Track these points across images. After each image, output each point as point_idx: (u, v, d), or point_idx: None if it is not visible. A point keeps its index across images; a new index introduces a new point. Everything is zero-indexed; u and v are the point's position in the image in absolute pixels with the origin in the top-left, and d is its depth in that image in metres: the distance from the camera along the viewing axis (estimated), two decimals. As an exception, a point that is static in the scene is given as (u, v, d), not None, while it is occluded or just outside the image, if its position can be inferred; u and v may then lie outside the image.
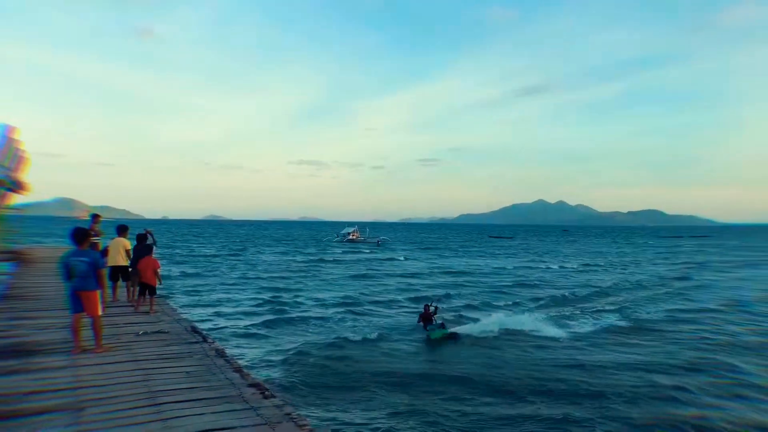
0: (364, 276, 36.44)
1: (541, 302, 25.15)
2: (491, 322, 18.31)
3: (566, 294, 27.84)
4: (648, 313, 22.32)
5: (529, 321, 18.75)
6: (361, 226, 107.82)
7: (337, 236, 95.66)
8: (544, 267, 46.35)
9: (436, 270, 41.73)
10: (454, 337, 16.91)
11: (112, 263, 10.77)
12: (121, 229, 11.09)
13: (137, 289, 10.31)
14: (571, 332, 17.91)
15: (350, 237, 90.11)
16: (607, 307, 23.44)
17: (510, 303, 24.77)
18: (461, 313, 21.32)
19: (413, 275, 37.77)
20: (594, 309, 23.01)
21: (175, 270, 36.06)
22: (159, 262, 10.29)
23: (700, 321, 20.71)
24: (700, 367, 13.78)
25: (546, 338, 16.69)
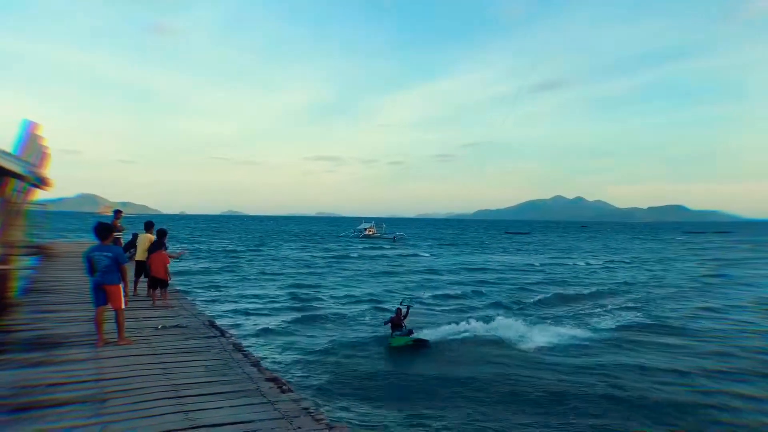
0: (386, 273, 36.03)
1: (570, 300, 24.38)
2: (470, 328, 16.61)
3: (594, 291, 27.11)
4: (681, 312, 21.41)
5: (519, 326, 16.96)
6: (378, 221, 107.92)
7: (354, 232, 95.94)
8: (570, 264, 45.34)
9: (459, 266, 41.14)
10: (424, 344, 14.92)
11: (139, 258, 11.06)
12: (148, 226, 11.33)
13: (137, 281, 10.67)
14: (597, 330, 17.27)
15: (366, 232, 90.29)
16: (635, 305, 22.70)
17: (536, 300, 24.11)
18: (487, 312, 20.65)
19: (436, 271, 37.25)
20: (621, 307, 22.27)
21: (196, 266, 36.36)
22: (169, 257, 10.56)
23: (742, 321, 19.58)
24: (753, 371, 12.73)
25: (529, 347, 15.04)
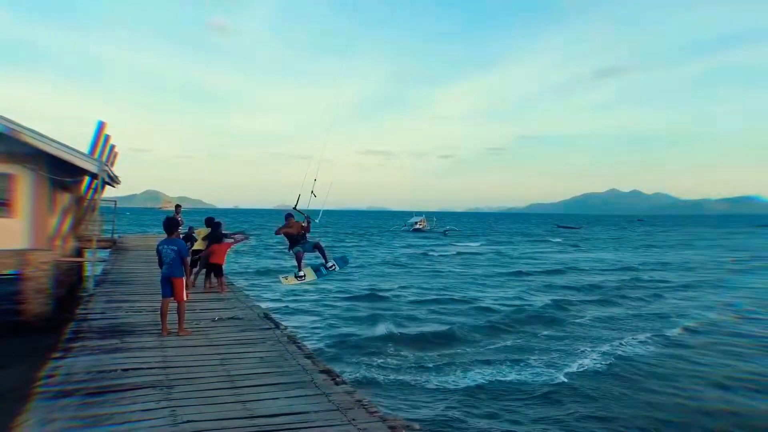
0: (514, 273, 32.47)
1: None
2: None
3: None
4: None
5: None
6: (428, 215, 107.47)
7: (404, 225, 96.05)
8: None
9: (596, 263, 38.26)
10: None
11: (197, 247, 11.75)
12: (208, 221, 11.96)
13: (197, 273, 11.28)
14: None
15: (417, 226, 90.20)
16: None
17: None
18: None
19: (575, 268, 34.83)
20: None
21: (269, 263, 35.25)
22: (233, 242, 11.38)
23: None
24: None
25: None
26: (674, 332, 16.44)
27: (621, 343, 14.76)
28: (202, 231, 11.99)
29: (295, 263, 10.07)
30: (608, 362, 12.83)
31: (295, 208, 9.67)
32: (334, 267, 10.34)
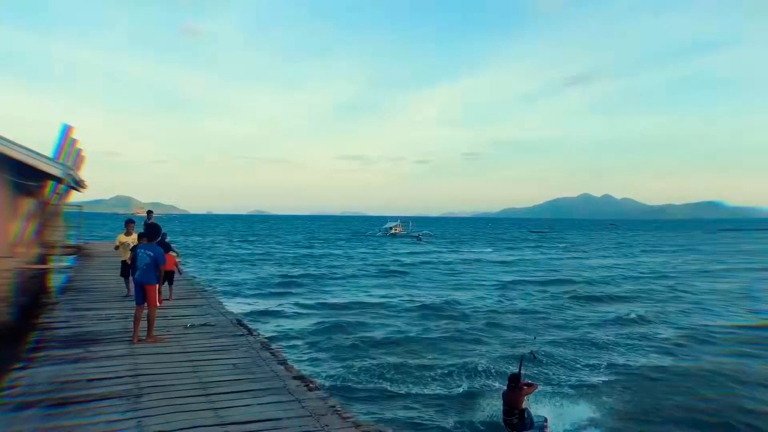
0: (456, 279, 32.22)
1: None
2: None
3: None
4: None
5: None
6: (404, 220, 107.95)
7: (380, 231, 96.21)
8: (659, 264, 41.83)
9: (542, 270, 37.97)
10: None
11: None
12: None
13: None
14: None
15: (392, 231, 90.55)
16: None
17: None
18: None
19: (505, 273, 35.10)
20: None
21: (247, 275, 33.19)
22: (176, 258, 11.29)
23: None
24: None
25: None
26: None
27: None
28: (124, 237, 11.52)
29: None
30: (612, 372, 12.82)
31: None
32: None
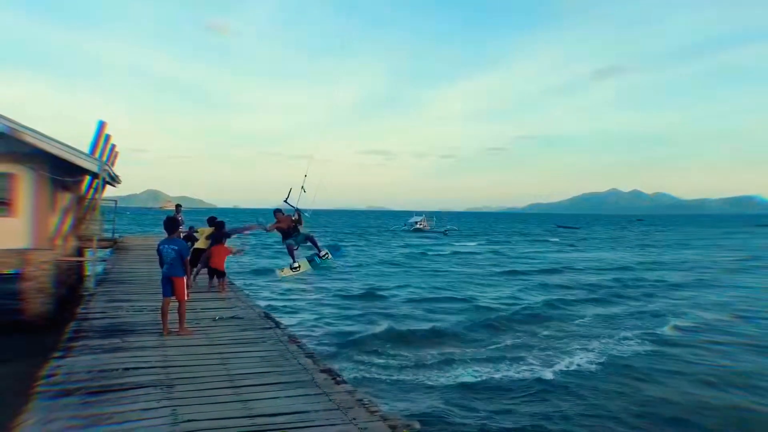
0: (509, 272, 32.65)
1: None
2: None
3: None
4: None
5: None
6: (428, 215, 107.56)
7: (405, 225, 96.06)
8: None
9: (553, 265, 37.28)
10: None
11: (200, 245, 11.76)
12: (210, 221, 11.95)
13: (197, 272, 11.29)
14: None
15: (418, 226, 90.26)
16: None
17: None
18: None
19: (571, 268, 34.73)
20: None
21: (266, 262, 34.47)
22: (231, 250, 11.41)
23: None
24: None
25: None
26: (665, 330, 16.46)
27: (612, 342, 14.82)
28: (205, 230, 11.99)
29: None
30: (600, 360, 12.87)
31: (285, 201, 9.82)
32: (327, 255, 10.37)
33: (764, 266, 37.06)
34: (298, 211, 9.86)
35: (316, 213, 10.22)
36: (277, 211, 10.10)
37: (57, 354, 6.21)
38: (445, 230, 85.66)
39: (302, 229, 10.07)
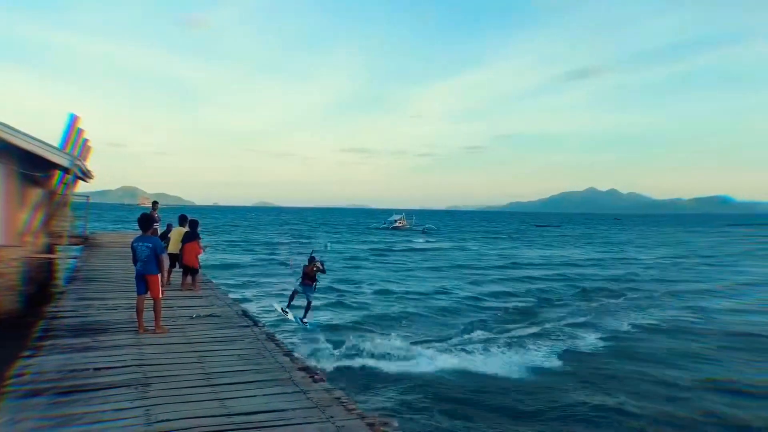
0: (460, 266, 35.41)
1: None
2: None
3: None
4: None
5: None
6: (408, 213, 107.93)
7: (384, 223, 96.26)
8: (631, 258, 42.86)
9: (510, 262, 38.94)
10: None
11: (172, 250, 11.32)
12: (182, 219, 11.61)
13: (170, 272, 11.08)
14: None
15: (397, 224, 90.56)
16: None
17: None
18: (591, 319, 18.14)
19: (492, 267, 35.55)
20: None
21: (245, 257, 36.53)
22: (202, 248, 11.28)
23: None
24: None
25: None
26: (622, 327, 16.92)
27: (563, 338, 15.23)
28: (177, 231, 11.59)
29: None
30: (558, 356, 13.29)
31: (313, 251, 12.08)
32: (306, 324, 12.11)
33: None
34: (321, 263, 11.58)
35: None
36: (312, 259, 11.66)
37: (26, 353, 6.03)
38: (423, 229, 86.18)
39: (317, 284, 11.90)
